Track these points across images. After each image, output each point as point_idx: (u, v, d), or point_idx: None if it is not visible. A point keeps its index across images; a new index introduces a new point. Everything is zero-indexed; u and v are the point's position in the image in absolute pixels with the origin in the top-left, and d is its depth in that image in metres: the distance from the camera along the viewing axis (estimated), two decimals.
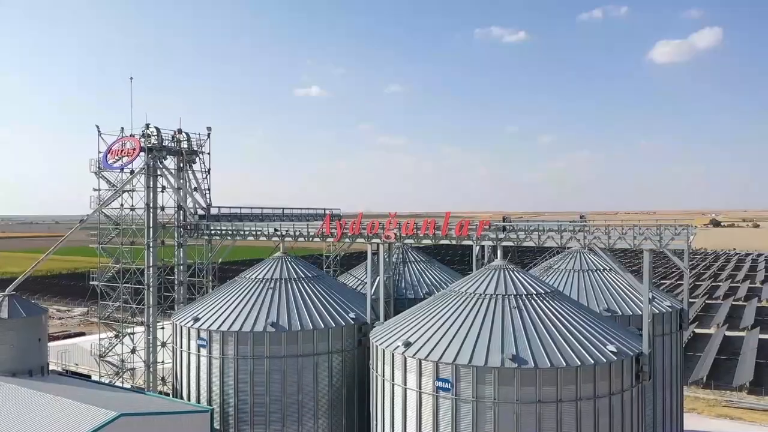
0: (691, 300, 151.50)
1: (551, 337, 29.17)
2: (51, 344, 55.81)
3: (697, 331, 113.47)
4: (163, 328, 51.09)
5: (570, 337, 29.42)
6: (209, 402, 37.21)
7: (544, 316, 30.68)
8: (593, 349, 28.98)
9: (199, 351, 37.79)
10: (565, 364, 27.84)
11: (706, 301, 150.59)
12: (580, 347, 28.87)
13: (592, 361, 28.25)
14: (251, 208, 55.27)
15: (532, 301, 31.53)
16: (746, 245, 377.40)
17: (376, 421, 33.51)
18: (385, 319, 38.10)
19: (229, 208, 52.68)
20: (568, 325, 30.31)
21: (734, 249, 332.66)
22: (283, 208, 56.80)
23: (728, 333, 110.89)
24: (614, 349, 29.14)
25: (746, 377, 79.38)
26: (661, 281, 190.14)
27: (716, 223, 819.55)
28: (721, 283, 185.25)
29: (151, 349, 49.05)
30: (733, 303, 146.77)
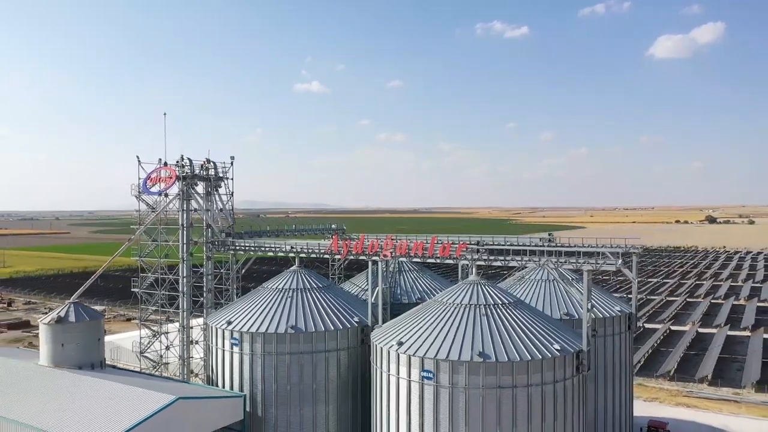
0: (672, 298, 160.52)
1: (510, 338, 37.85)
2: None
3: (674, 328, 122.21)
4: (191, 328, 59.75)
5: (525, 337, 38.11)
6: (240, 389, 45.90)
7: (506, 321, 39.35)
8: (542, 347, 37.66)
9: (232, 348, 46.51)
10: (519, 358, 36.54)
11: (687, 299, 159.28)
12: (531, 345, 37.55)
13: (540, 356, 36.93)
14: (263, 215, 63.96)
15: (498, 309, 40.20)
16: (740, 242, 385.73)
17: (376, 403, 42.19)
18: (383, 322, 46.69)
19: (250, 225, 61.34)
20: (525, 328, 38.98)
21: (724, 247, 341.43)
22: (295, 224, 65.57)
23: (701, 330, 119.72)
24: (559, 347, 37.82)
25: (707, 370, 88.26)
26: (650, 279, 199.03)
27: (712, 220, 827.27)
28: (704, 282, 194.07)
29: (185, 346, 57.74)
30: (712, 301, 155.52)
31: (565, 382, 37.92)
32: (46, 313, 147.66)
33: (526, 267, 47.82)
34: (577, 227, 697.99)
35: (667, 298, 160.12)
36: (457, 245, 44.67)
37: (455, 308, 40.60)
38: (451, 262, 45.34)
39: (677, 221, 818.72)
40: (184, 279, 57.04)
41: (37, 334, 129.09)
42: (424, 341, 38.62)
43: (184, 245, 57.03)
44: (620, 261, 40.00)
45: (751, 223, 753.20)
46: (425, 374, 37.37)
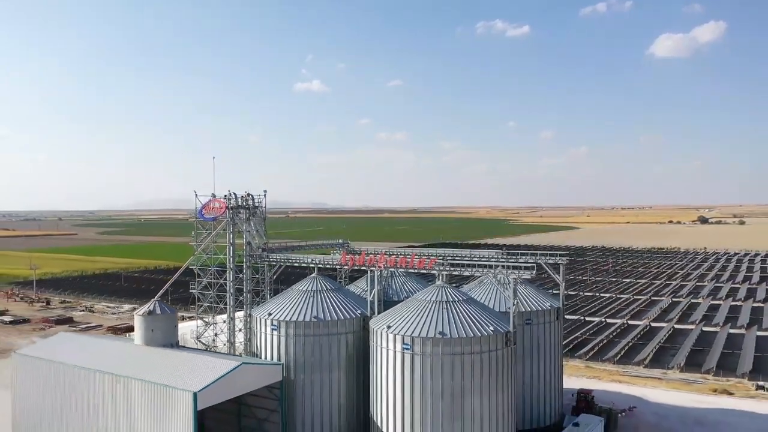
0: (639, 297, 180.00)
1: (460, 322, 57.29)
2: None
3: (631, 322, 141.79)
4: (233, 319, 78.99)
5: (470, 322, 57.59)
6: (278, 360, 65.33)
7: (459, 312, 58.77)
8: (481, 327, 57.16)
9: (272, 332, 66.04)
10: (465, 335, 56.05)
11: (652, 298, 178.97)
12: (474, 327, 57.04)
13: (480, 334, 56.45)
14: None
15: (454, 304, 59.62)
16: (726, 243, 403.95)
17: (373, 366, 61.59)
18: (378, 314, 66.06)
19: (280, 241, 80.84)
20: (471, 316, 58.43)
21: (705, 248, 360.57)
22: (316, 243, 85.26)
23: (654, 324, 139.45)
24: (492, 328, 57.31)
25: (645, 355, 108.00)
26: (624, 279, 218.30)
27: (704, 220, 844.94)
28: (673, 282, 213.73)
29: (231, 332, 77.15)
30: (674, 299, 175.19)
31: (497, 351, 57.45)
32: (83, 311, 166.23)
33: (478, 276, 67.51)
34: (572, 228, 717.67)
35: (634, 296, 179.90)
36: (429, 260, 64.35)
37: (426, 303, 60.19)
38: (425, 272, 64.99)
39: (670, 221, 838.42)
40: (231, 283, 76.55)
41: (82, 328, 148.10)
42: (404, 325, 58.19)
43: (231, 257, 76.55)
44: (534, 272, 59.61)
45: (742, 223, 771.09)
46: (405, 346, 56.92)
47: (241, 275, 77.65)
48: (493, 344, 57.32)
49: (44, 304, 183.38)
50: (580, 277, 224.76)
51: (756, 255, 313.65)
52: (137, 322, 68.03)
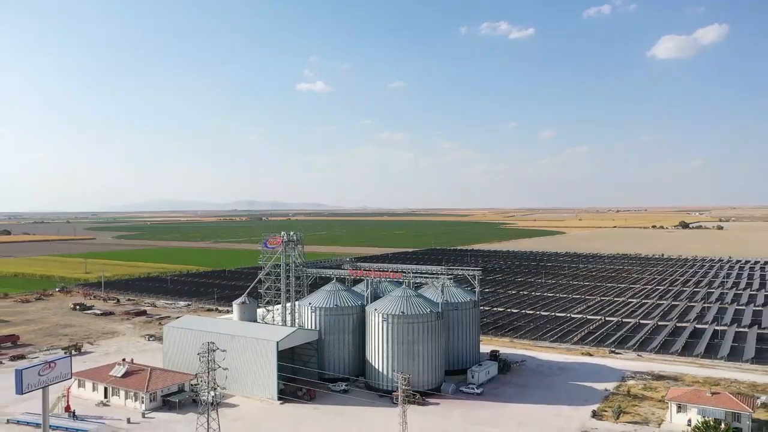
0: (576, 296, 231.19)
1: (413, 306, 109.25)
2: (221, 317, 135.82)
3: (557, 314, 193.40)
4: (285, 307, 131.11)
5: (418, 306, 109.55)
6: (315, 328, 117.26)
7: (412, 301, 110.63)
8: (423, 309, 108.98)
9: (312, 313, 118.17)
10: (414, 313, 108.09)
11: (601, 297, 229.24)
12: (419, 309, 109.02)
13: (422, 312, 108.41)
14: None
15: (411, 297, 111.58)
16: (694, 249, 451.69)
17: (368, 332, 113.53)
18: (370, 303, 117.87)
19: (316, 261, 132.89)
20: (418, 303, 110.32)
21: (662, 254, 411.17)
22: (335, 259, 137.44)
23: (574, 315, 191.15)
24: (429, 310, 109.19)
25: (553, 334, 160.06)
26: (586, 283, 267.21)
27: (685, 225, 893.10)
28: (610, 283, 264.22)
29: (284, 316, 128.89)
30: (601, 298, 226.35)
31: (432, 322, 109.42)
32: (149, 307, 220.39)
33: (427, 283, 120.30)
34: (559, 233, 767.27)
35: (572, 296, 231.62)
36: (399, 273, 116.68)
37: (396, 297, 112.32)
38: (397, 281, 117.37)
39: (653, 226, 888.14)
40: (284, 286, 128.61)
41: (156, 317, 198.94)
42: (384, 308, 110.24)
43: (285, 271, 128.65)
44: (453, 281, 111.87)
45: (720, 228, 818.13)
46: (383, 318, 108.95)
47: (289, 281, 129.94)
48: (429, 318, 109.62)
49: (116, 301, 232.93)
50: (540, 280, 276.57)
51: (701, 259, 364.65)
52: (235, 308, 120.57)
